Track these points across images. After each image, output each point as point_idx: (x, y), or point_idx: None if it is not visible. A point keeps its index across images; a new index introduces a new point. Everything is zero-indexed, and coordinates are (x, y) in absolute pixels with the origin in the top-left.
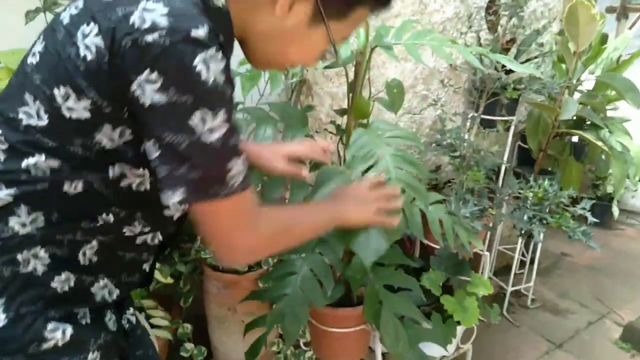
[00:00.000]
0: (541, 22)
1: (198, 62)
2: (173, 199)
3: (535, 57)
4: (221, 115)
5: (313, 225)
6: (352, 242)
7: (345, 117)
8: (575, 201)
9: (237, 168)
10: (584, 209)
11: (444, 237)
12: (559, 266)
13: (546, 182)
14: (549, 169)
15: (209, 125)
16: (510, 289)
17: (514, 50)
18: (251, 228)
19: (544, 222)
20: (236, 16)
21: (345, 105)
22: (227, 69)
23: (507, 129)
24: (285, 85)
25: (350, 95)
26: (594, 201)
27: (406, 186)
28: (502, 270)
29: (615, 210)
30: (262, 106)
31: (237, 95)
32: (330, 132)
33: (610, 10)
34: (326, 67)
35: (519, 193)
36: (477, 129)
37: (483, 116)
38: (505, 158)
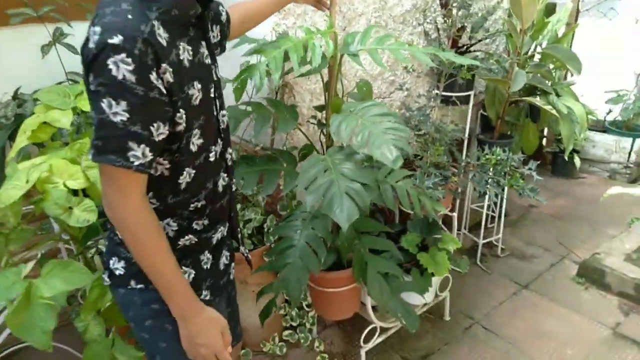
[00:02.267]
0: (492, 1)
1: (110, 62)
2: (89, 157)
3: (486, 38)
4: (123, 104)
5: (156, 270)
6: (331, 212)
7: (324, 112)
8: (535, 157)
9: (140, 151)
10: (530, 169)
11: (412, 206)
12: (526, 217)
13: (498, 150)
14: (508, 132)
15: (114, 110)
16: (481, 241)
17: (465, 36)
18: (127, 201)
19: (499, 183)
20: None
21: (322, 100)
22: (142, 71)
23: (467, 102)
24: (269, 89)
25: (326, 94)
26: (558, 154)
27: (385, 131)
28: (475, 226)
29: (577, 161)
30: (260, 101)
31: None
32: (312, 124)
33: None
34: (301, 75)
35: (478, 161)
36: (439, 106)
37: (444, 93)
38: (467, 128)
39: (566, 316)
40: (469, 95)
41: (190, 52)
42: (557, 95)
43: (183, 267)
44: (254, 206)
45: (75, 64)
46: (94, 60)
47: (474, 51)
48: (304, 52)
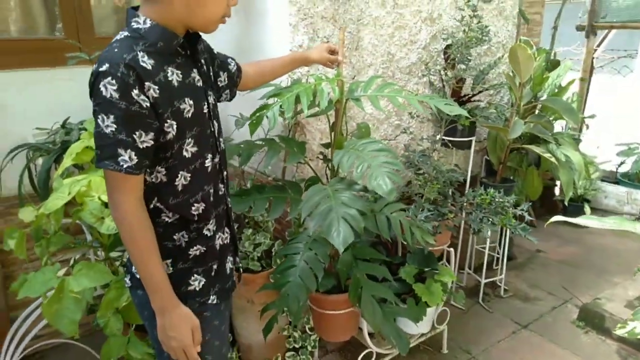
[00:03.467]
0: (497, 54)
1: (101, 86)
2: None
3: (487, 89)
4: (111, 117)
5: (143, 264)
6: (329, 235)
7: (330, 149)
8: (546, 205)
9: (127, 156)
10: (522, 210)
11: (404, 236)
12: (533, 261)
13: (492, 191)
14: (511, 177)
15: (106, 123)
16: (483, 280)
17: (466, 86)
18: (124, 201)
19: (492, 222)
20: (169, 19)
21: (330, 139)
22: (124, 89)
23: (469, 147)
24: (283, 127)
25: (332, 133)
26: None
27: (382, 164)
28: (480, 266)
29: (587, 210)
30: (273, 137)
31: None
32: (320, 159)
33: (579, 28)
34: (310, 116)
35: (473, 200)
36: (440, 149)
37: (445, 138)
38: (469, 171)
39: (564, 357)
40: (471, 141)
41: (180, 75)
42: (558, 144)
43: (195, 275)
44: (264, 231)
45: None
46: (92, 87)
47: (475, 101)
48: (312, 96)
